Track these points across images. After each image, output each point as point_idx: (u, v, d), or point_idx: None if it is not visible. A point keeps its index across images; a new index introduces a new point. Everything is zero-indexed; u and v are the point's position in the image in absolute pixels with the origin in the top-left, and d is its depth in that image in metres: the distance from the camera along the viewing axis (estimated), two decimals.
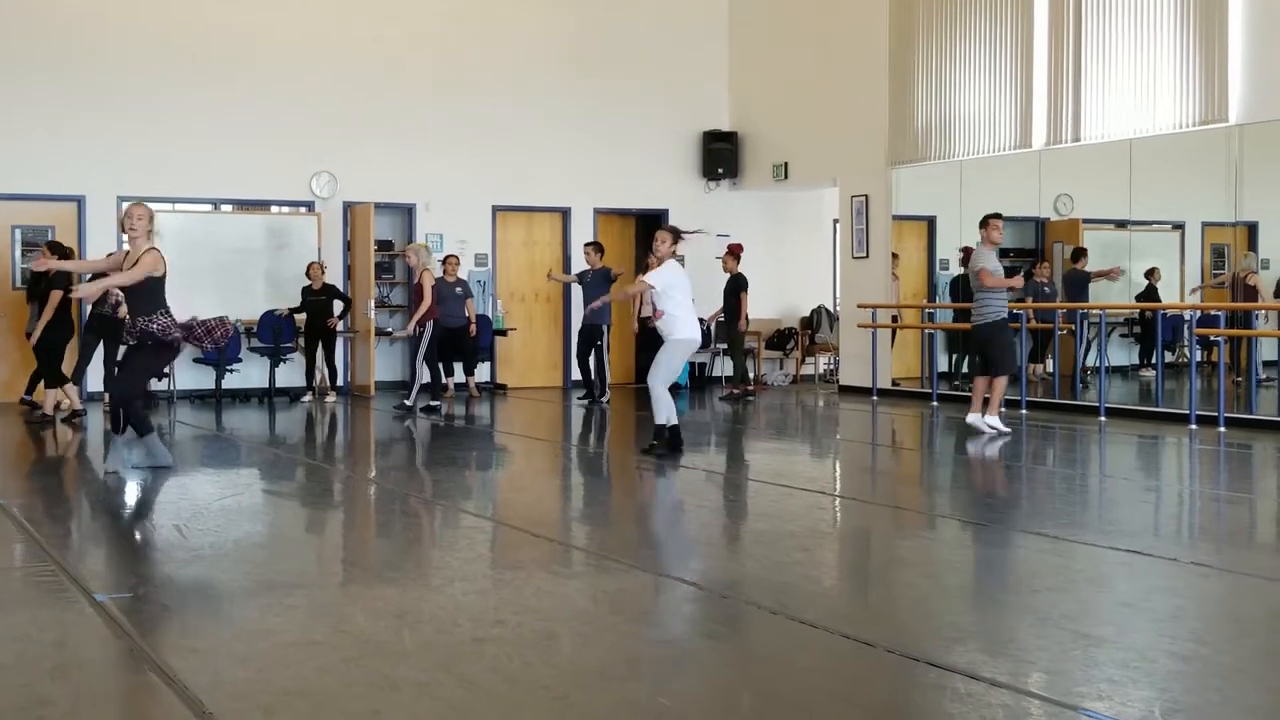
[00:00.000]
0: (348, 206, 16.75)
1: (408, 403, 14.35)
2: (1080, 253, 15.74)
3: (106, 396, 9.62)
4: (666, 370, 10.28)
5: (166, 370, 9.36)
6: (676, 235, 10.51)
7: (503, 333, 17.43)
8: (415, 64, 17.00)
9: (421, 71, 17.04)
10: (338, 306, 15.90)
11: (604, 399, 15.29)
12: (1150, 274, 15.38)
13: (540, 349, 18.01)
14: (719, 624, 5.33)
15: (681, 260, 11.18)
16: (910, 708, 4.18)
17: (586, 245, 15.91)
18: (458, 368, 16.52)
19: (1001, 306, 11.84)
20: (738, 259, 15.94)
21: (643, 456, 10.25)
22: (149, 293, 8.96)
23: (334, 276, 16.39)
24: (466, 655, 4.60)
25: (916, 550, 7.00)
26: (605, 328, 15.61)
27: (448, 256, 16.16)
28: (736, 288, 15.82)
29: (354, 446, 12.63)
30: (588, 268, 15.83)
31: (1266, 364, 14.73)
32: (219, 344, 14.90)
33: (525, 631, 4.97)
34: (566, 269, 17.60)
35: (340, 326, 16.11)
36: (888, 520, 7.98)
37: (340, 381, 16.56)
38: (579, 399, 15.51)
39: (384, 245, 17.02)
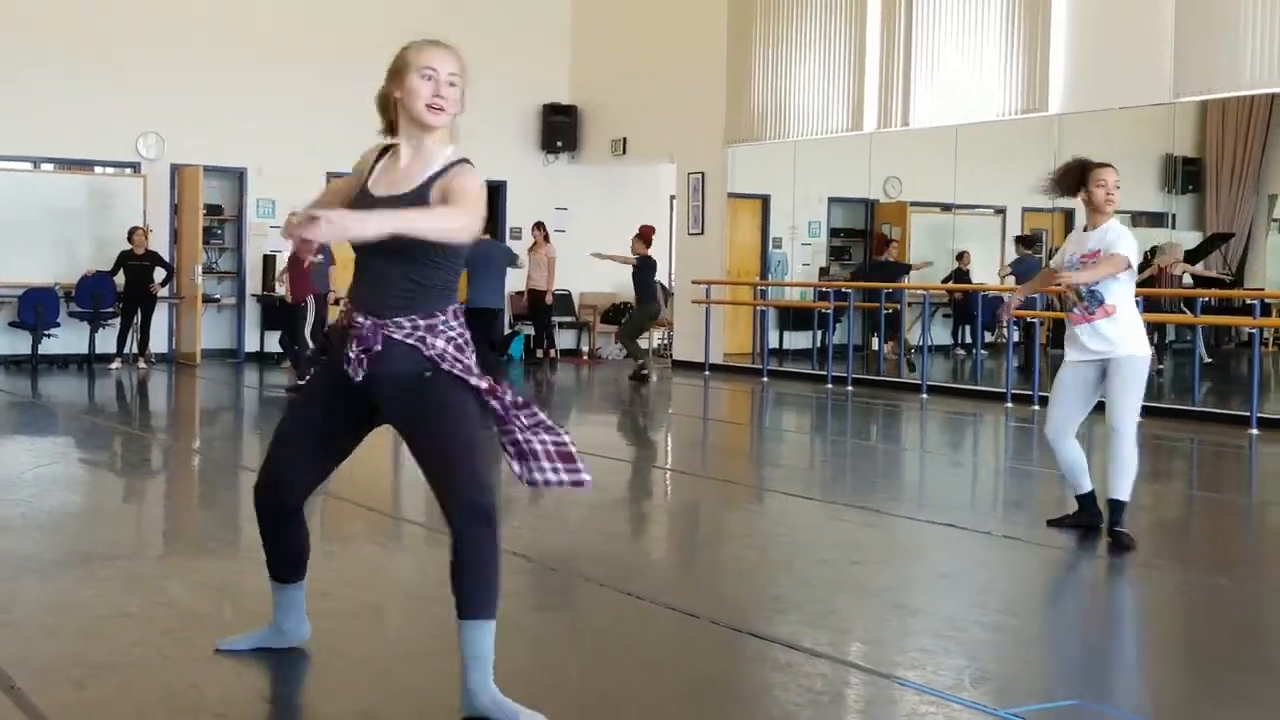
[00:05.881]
0: (175, 169, 16.27)
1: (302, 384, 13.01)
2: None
3: None
4: (1135, 410, 6.26)
5: None
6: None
7: (336, 302, 17.14)
8: (248, 25, 16.55)
9: (255, 33, 16.59)
10: (159, 274, 15.45)
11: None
12: (960, 257, 15.85)
13: None
14: (548, 596, 5.36)
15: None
16: (732, 677, 4.27)
17: None
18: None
19: None
20: (647, 242, 15.20)
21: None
22: (447, 270, 3.74)
23: (161, 240, 15.91)
24: None
25: (743, 523, 7.13)
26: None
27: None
28: (649, 269, 15.12)
29: (178, 415, 12.32)
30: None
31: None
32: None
33: (350, 605, 4.92)
34: None
35: (165, 292, 15.68)
36: (716, 494, 8.10)
37: (164, 349, 16.15)
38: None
39: (213, 210, 16.59)
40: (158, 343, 16.04)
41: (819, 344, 15.67)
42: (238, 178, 16.74)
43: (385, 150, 3.89)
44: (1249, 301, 12.71)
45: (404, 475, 8.95)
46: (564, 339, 18.16)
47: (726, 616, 4.81)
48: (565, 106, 18.49)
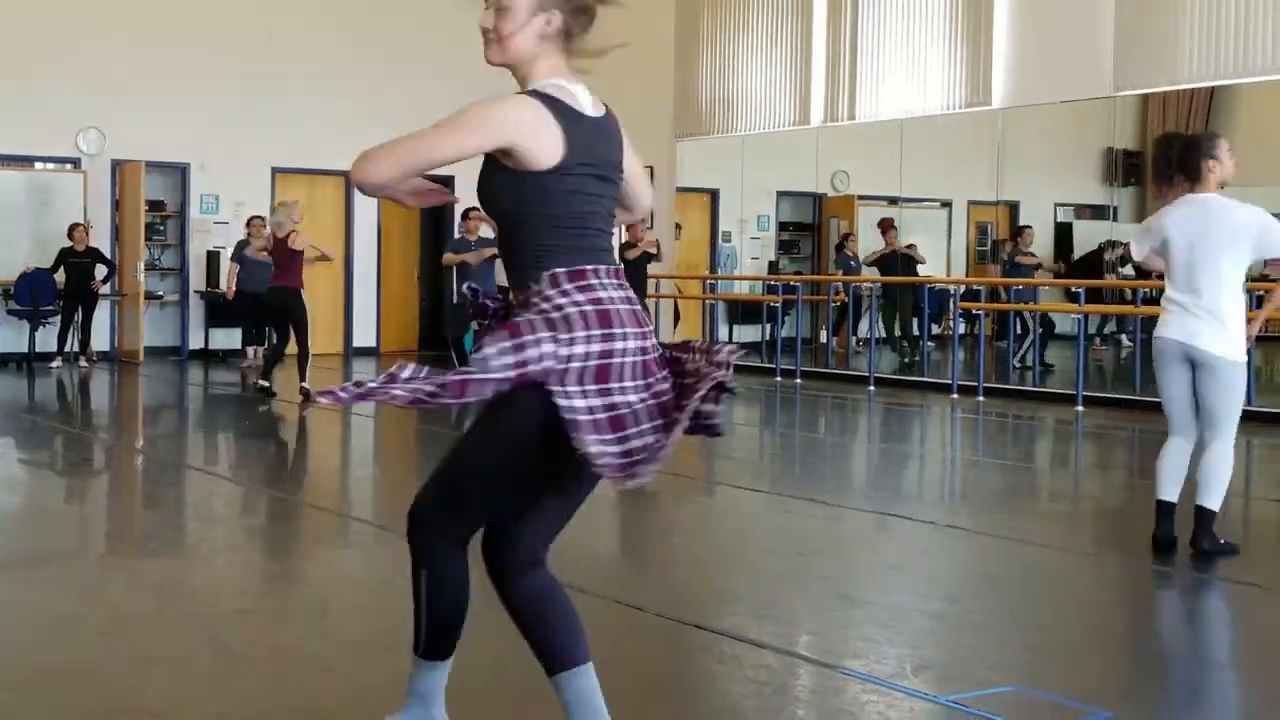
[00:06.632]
0: (116, 164, 16.08)
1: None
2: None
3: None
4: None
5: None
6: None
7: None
8: (190, 17, 16.37)
9: (196, 28, 16.42)
10: (101, 271, 15.25)
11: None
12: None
13: (319, 314, 17.62)
14: (494, 593, 5.33)
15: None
16: (678, 670, 4.27)
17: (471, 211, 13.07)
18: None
19: None
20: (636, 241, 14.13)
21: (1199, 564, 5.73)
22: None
23: (102, 237, 15.73)
24: (229, 628, 4.50)
25: (691, 516, 7.14)
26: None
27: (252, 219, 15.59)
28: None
29: (120, 414, 12.18)
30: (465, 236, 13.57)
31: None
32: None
33: (293, 603, 4.89)
34: (349, 235, 17.30)
35: (107, 289, 15.50)
36: (664, 486, 8.09)
37: (107, 347, 15.98)
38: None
39: (155, 205, 16.41)
40: (99, 341, 15.86)
41: (768, 337, 15.72)
42: (180, 173, 16.57)
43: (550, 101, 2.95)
44: None
45: (351, 473, 8.90)
46: None
47: (673, 609, 4.82)
48: None
